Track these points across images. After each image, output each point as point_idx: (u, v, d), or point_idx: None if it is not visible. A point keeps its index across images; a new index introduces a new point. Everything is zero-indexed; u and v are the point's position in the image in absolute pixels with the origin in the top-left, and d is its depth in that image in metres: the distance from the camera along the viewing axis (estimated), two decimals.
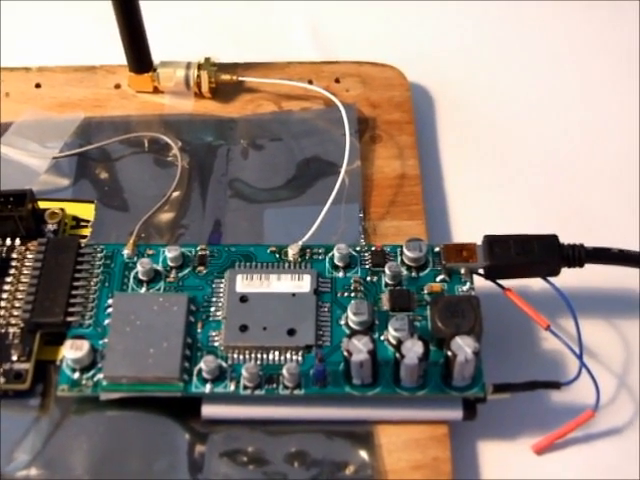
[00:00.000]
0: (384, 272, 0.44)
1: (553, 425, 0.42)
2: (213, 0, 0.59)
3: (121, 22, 0.50)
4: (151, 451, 0.41)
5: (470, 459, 0.42)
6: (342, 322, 0.42)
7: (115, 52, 0.52)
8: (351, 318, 0.42)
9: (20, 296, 0.44)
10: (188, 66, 0.52)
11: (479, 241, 0.44)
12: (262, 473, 0.41)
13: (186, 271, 0.44)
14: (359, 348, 0.39)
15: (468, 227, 0.49)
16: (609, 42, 0.57)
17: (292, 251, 0.45)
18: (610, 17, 0.58)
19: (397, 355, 0.39)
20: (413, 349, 0.39)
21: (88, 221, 0.48)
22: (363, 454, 0.41)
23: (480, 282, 0.44)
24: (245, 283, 0.43)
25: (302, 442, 0.41)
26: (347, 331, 0.42)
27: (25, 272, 0.45)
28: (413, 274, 0.44)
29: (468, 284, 0.43)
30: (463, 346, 0.39)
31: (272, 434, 0.42)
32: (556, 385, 0.42)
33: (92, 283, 0.44)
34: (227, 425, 0.42)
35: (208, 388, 0.41)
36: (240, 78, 0.52)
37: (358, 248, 0.45)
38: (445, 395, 0.41)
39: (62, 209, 0.47)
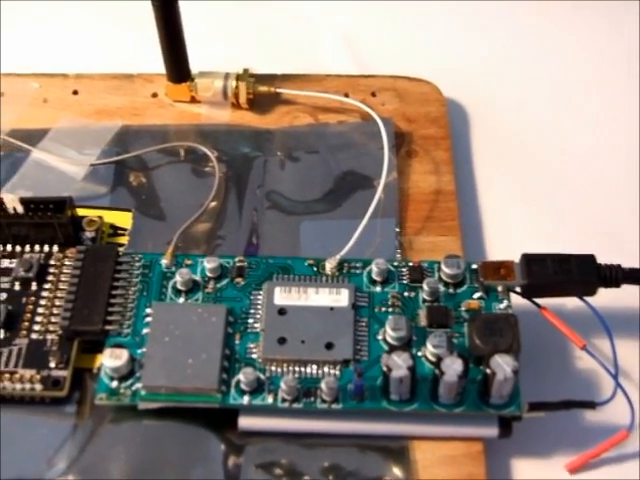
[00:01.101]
0: (422, 288, 0.44)
1: (587, 444, 0.42)
2: (253, 11, 0.60)
3: (161, 31, 0.50)
4: (187, 461, 0.41)
5: (504, 477, 0.42)
6: (380, 337, 0.43)
7: (153, 61, 0.52)
8: (389, 333, 0.42)
9: (58, 303, 0.44)
10: (226, 77, 0.52)
11: (513, 258, 0.44)
12: None
13: (224, 282, 0.44)
14: (399, 364, 0.39)
15: (502, 244, 0.49)
16: None
17: (330, 265, 0.45)
18: None
19: (436, 372, 0.40)
20: (453, 366, 0.39)
21: (125, 229, 0.48)
22: (397, 469, 0.41)
23: (515, 299, 0.44)
24: (283, 296, 0.43)
25: (337, 456, 0.41)
26: (385, 346, 0.42)
27: (63, 279, 0.45)
28: (450, 290, 0.44)
29: (505, 302, 0.43)
30: (502, 364, 0.39)
31: (307, 447, 0.42)
32: (591, 405, 0.42)
33: (130, 292, 0.44)
34: (262, 437, 0.42)
35: (246, 400, 0.41)
36: (277, 90, 0.53)
37: (396, 263, 0.45)
38: (482, 412, 0.41)
39: (100, 217, 0.48)
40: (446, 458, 0.42)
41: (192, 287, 0.44)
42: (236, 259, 0.45)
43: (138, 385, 0.41)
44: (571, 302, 0.44)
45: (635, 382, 0.45)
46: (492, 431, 0.41)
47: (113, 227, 0.48)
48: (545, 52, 0.58)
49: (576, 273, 0.43)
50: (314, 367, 0.42)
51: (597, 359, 0.43)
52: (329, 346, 0.42)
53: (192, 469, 0.41)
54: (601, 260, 0.44)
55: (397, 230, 0.48)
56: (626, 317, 0.46)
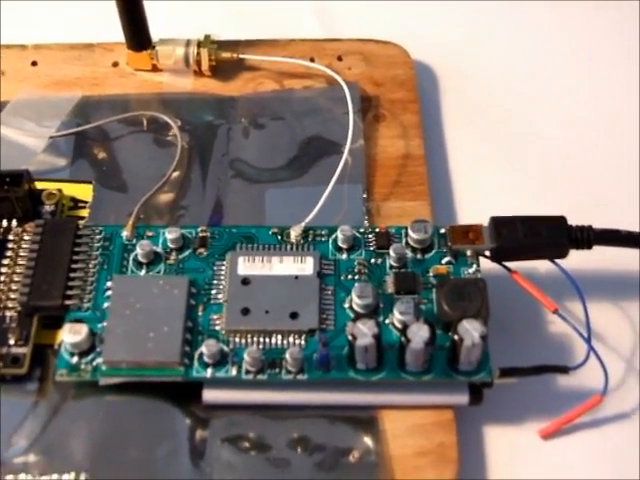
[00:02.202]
0: (389, 254, 0.43)
1: (560, 410, 0.42)
2: None
3: None
4: (151, 437, 0.40)
5: (476, 444, 0.42)
6: (346, 305, 0.42)
7: (113, 29, 0.51)
8: (355, 301, 0.41)
9: (17, 279, 0.43)
10: (187, 43, 0.51)
11: (485, 222, 0.43)
12: (265, 459, 0.40)
13: (186, 253, 0.43)
14: (364, 332, 0.39)
15: (473, 208, 0.48)
16: (622, 24, 0.56)
17: (294, 232, 0.44)
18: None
19: (403, 339, 0.39)
20: (419, 333, 0.38)
21: (86, 202, 0.47)
22: (367, 440, 0.40)
23: (486, 264, 0.43)
24: (247, 265, 0.42)
25: (305, 427, 0.41)
26: (351, 314, 0.41)
27: (22, 254, 0.44)
28: (418, 256, 0.43)
29: (474, 266, 0.43)
30: (470, 330, 0.39)
31: (274, 419, 0.41)
32: (564, 369, 0.42)
33: (90, 265, 0.43)
34: (229, 410, 0.41)
35: (209, 373, 0.40)
36: (241, 56, 0.51)
37: (362, 230, 0.44)
38: (451, 380, 0.40)
39: (59, 190, 0.46)
40: (416, 427, 0.41)
41: (153, 259, 0.43)
42: (199, 229, 0.44)
43: (99, 360, 0.40)
44: (542, 265, 0.44)
45: (608, 345, 0.44)
46: (462, 398, 0.41)
47: (74, 200, 0.47)
48: (515, 13, 0.57)
49: (546, 235, 0.43)
50: (279, 337, 0.41)
51: (569, 323, 0.42)
52: (294, 316, 0.41)
53: (156, 444, 0.40)
54: (573, 222, 0.43)
55: (364, 196, 0.47)
56: (599, 279, 0.45)
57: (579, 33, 0.56)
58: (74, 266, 0.43)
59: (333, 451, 0.40)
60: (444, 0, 0.58)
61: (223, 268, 0.43)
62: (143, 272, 0.43)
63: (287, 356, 0.40)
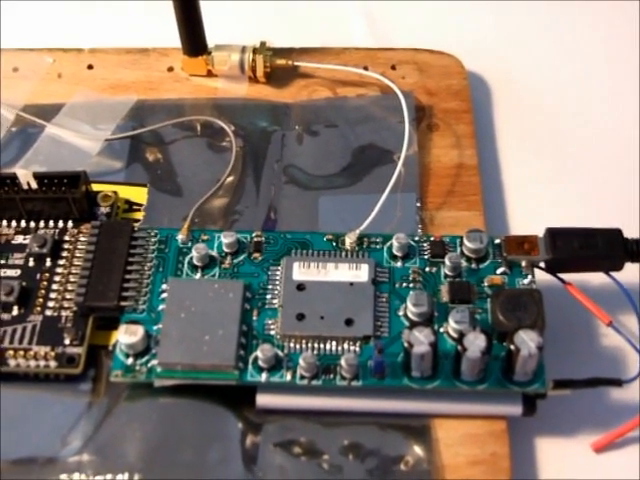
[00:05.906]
0: (443, 263, 0.43)
1: (614, 423, 0.41)
2: None
3: (177, 3, 0.49)
4: (204, 440, 0.40)
5: (528, 456, 0.41)
6: (400, 313, 0.42)
7: (168, 34, 0.51)
8: (410, 309, 0.41)
9: (73, 279, 0.43)
10: (243, 50, 0.51)
11: (537, 233, 0.43)
12: (316, 465, 0.40)
13: (241, 257, 0.44)
14: (420, 340, 0.39)
15: (526, 219, 0.48)
16: None
17: (349, 239, 0.44)
18: None
19: (459, 348, 0.39)
20: (476, 342, 0.38)
21: (140, 205, 0.47)
22: (419, 448, 0.40)
23: (539, 275, 0.43)
24: (302, 271, 0.43)
25: (357, 434, 0.41)
26: (405, 322, 0.41)
27: (78, 255, 0.44)
28: (473, 266, 0.43)
29: (529, 277, 0.42)
30: (527, 340, 0.38)
31: (327, 425, 0.41)
32: (617, 382, 0.41)
33: (146, 267, 0.43)
34: (281, 415, 0.41)
35: (264, 377, 0.40)
36: (295, 63, 0.52)
37: (417, 238, 0.44)
38: (505, 390, 0.40)
39: (115, 192, 0.47)
40: (469, 437, 0.41)
41: (209, 262, 0.43)
42: (253, 234, 0.44)
43: (154, 362, 0.41)
44: (597, 277, 0.43)
45: None
46: (516, 409, 0.40)
47: (128, 202, 0.47)
48: (569, 24, 0.57)
49: (602, 247, 0.42)
50: (333, 343, 0.41)
51: (623, 335, 0.42)
52: (349, 322, 0.41)
53: (209, 448, 0.40)
54: (627, 235, 0.43)
55: (418, 205, 0.47)
56: None
57: (635, 43, 0.56)
58: (130, 268, 0.43)
59: (385, 458, 0.40)
60: (498, 11, 0.58)
61: (278, 273, 0.43)
62: (198, 275, 0.43)
63: (342, 362, 0.40)
